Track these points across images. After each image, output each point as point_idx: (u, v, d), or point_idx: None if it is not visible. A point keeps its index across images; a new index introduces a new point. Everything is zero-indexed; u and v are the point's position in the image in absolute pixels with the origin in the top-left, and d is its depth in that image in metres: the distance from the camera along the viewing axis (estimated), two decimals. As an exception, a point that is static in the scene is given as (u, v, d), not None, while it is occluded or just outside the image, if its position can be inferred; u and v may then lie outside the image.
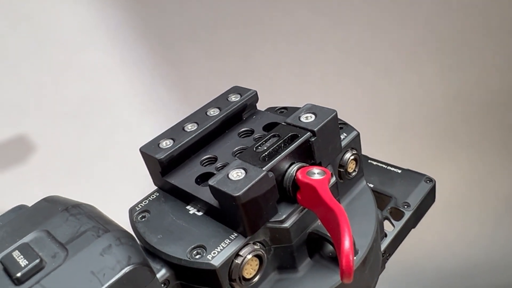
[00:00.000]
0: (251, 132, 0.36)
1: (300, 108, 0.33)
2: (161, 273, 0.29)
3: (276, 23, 0.84)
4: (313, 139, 0.30)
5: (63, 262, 0.23)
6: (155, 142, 0.34)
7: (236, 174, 0.28)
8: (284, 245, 0.30)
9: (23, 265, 0.23)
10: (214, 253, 0.28)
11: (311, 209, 0.29)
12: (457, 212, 1.10)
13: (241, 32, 0.83)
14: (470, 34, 0.90)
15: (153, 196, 0.34)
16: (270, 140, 0.31)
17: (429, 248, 1.12)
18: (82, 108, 0.78)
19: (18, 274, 0.23)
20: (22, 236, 0.25)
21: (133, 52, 0.78)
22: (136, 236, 0.30)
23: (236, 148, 0.34)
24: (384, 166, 0.48)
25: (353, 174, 0.36)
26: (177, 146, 0.33)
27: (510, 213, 1.06)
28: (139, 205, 0.33)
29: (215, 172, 0.32)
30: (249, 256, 0.28)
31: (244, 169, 0.28)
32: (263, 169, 0.28)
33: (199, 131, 0.34)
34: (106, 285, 0.22)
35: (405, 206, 0.44)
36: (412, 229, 0.44)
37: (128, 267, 0.23)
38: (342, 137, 0.34)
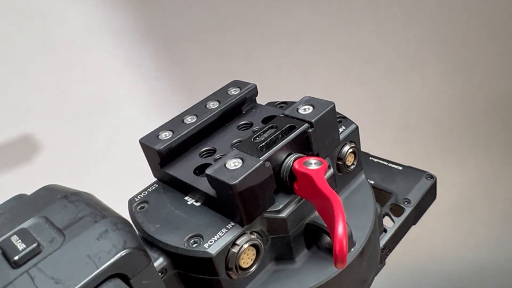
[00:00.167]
0: (250, 125, 0.36)
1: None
2: (159, 261, 0.29)
3: (280, 24, 0.84)
4: (310, 130, 0.31)
5: (60, 246, 0.24)
6: (155, 133, 0.34)
7: (233, 163, 0.28)
8: (281, 235, 0.30)
9: (20, 249, 0.23)
10: (211, 241, 0.28)
11: (308, 199, 0.29)
12: (463, 215, 1.10)
13: (245, 32, 0.83)
14: (474, 35, 0.90)
15: (152, 188, 0.34)
16: (268, 132, 0.31)
17: (435, 251, 1.11)
18: (87, 108, 0.78)
19: (16, 258, 0.23)
20: (21, 222, 0.26)
21: (138, 53, 0.79)
22: (135, 226, 0.31)
23: (235, 140, 0.35)
24: (385, 163, 0.48)
25: (352, 167, 0.36)
26: (176, 138, 0.33)
27: (516, 215, 1.05)
28: (138, 196, 0.33)
29: (213, 163, 0.33)
30: (246, 246, 0.28)
31: (241, 158, 0.28)
32: (260, 158, 0.28)
33: (198, 123, 0.34)
34: (101, 268, 0.22)
35: (406, 202, 0.44)
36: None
37: (124, 251, 0.23)
38: (340, 130, 0.35)
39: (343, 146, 0.35)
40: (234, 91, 0.37)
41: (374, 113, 0.96)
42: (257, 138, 0.30)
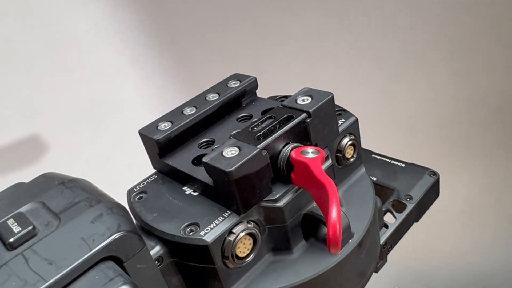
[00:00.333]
0: (250, 117, 0.36)
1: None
2: (155, 250, 0.29)
3: (287, 26, 0.84)
4: (308, 120, 0.31)
5: (55, 229, 0.24)
6: (154, 124, 0.34)
7: (230, 152, 0.28)
8: (278, 225, 0.30)
9: (16, 232, 0.23)
10: (207, 229, 0.28)
11: (305, 188, 0.29)
12: (471, 220, 1.08)
13: (252, 34, 0.84)
14: (482, 38, 0.89)
15: (151, 178, 0.34)
16: (266, 122, 0.31)
17: (443, 257, 1.10)
18: (94, 108, 0.79)
19: (11, 240, 0.23)
20: (18, 207, 0.26)
21: (145, 53, 0.79)
22: (133, 216, 0.31)
23: (234, 132, 0.35)
24: (387, 160, 0.48)
25: (351, 160, 0.36)
26: (175, 128, 0.33)
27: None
28: (137, 187, 0.33)
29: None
30: (242, 234, 0.28)
31: (238, 147, 0.28)
32: (257, 147, 0.28)
33: (197, 115, 0.35)
34: (95, 249, 0.22)
35: (408, 199, 0.43)
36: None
37: (118, 234, 0.23)
38: (340, 122, 0.34)
39: (342, 138, 0.35)
40: (234, 84, 0.37)
41: (380, 115, 0.95)
42: (255, 128, 0.30)
